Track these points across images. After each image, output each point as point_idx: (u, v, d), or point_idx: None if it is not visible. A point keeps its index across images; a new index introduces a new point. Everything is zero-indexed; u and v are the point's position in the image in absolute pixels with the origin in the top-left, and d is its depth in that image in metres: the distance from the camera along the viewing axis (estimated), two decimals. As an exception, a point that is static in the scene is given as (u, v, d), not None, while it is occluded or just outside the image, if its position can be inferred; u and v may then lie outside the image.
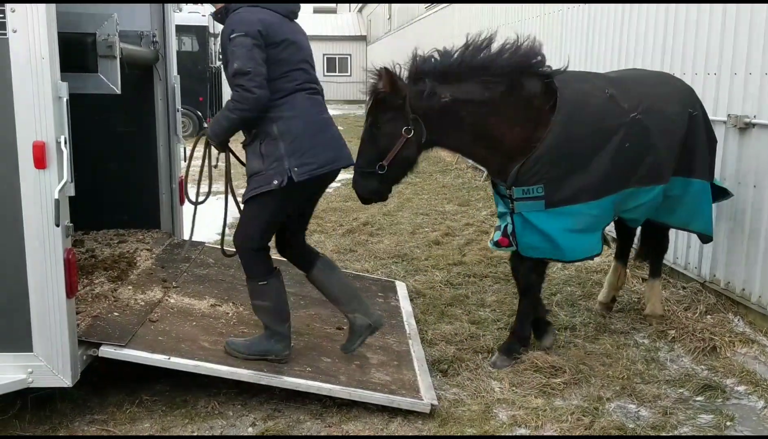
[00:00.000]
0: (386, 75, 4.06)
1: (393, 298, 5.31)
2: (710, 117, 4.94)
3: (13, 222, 3.23)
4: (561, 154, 4.10)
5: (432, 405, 3.73)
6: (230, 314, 4.28)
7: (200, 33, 17.84)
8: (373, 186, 4.23)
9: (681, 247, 5.88)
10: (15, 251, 3.25)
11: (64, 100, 3.22)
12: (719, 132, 5.16)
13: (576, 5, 8.32)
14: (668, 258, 6.03)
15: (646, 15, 6.50)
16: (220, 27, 14.33)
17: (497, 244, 4.49)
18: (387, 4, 28.34)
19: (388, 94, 4.08)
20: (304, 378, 3.70)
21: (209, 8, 20.79)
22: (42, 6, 3.09)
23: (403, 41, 23.94)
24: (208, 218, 8.18)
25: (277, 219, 3.89)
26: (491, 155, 4.27)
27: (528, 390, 4.08)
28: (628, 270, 5.55)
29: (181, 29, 17.94)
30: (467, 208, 9.28)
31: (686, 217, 4.77)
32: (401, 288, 5.61)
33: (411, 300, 5.46)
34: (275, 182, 3.68)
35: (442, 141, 4.29)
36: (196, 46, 17.92)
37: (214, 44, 18.75)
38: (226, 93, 20.79)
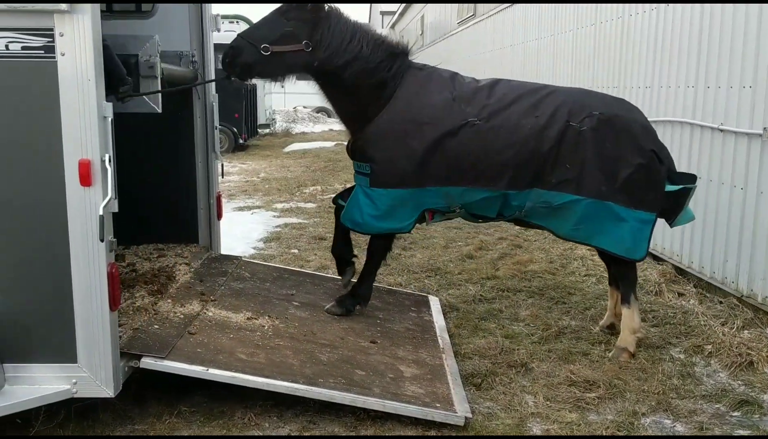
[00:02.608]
0: (333, 8, 4.61)
1: (426, 312, 5.35)
2: (746, 130, 4.89)
3: (60, 237, 3.35)
4: (387, 136, 4.56)
5: (466, 418, 3.75)
6: (266, 327, 4.36)
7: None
8: (247, 60, 4.51)
9: (717, 261, 5.82)
10: (61, 266, 3.37)
11: (109, 119, 3.34)
12: (755, 146, 5.11)
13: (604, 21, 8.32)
14: (705, 272, 5.98)
15: (681, 26, 6.48)
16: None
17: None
18: (420, 20, 28.51)
19: (321, 9, 4.54)
20: (339, 390, 3.76)
21: (243, 27, 21.16)
22: (89, 30, 3.22)
23: (435, 56, 24.08)
24: (242, 232, 8.38)
25: None
26: (349, 122, 4.82)
27: (562, 404, 4.08)
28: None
29: (219, 48, 18.25)
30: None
31: (579, 232, 4.65)
32: (434, 302, 5.64)
33: (444, 314, 5.49)
34: None
35: (322, 83, 4.81)
36: (232, 64, 18.17)
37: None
38: (261, 110, 21.08)
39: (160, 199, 5.58)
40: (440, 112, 4.56)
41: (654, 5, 7.06)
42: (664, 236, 6.76)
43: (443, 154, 4.52)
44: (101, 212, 3.27)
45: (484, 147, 4.52)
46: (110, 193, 3.31)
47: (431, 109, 4.58)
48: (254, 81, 19.60)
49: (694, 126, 6.23)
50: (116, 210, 3.42)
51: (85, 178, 3.30)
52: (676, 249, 6.51)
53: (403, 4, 33.51)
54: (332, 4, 4.60)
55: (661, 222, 6.69)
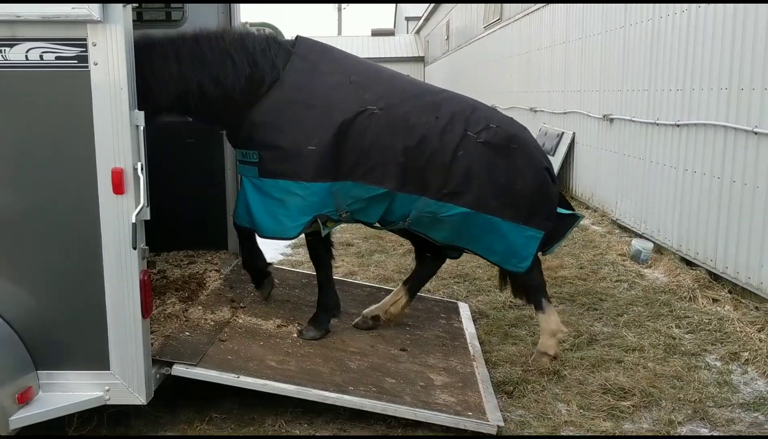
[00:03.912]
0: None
1: (456, 319, 5.30)
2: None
3: (93, 245, 3.37)
4: (272, 121, 4.13)
5: (498, 427, 3.71)
6: (296, 335, 4.35)
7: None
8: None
9: (753, 265, 5.71)
10: (94, 273, 3.39)
11: (141, 128, 3.36)
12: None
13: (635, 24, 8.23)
14: (740, 277, 5.86)
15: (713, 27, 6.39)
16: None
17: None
18: (445, 25, 28.46)
19: None
20: (370, 398, 3.73)
21: (270, 33, 21.29)
22: (121, 40, 3.25)
23: (460, 62, 24.01)
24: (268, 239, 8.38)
25: None
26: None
27: (596, 413, 4.01)
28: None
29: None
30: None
31: (461, 241, 4.46)
32: (464, 309, 5.60)
33: (474, 321, 5.45)
34: None
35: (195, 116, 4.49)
36: (259, 71, 18.29)
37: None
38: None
39: (190, 206, 5.61)
40: (335, 95, 4.19)
41: (685, 6, 6.96)
42: (697, 241, 6.64)
43: (336, 142, 4.11)
44: (134, 220, 3.29)
45: (378, 139, 4.16)
46: (142, 201, 3.32)
47: (325, 90, 4.20)
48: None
49: (728, 129, 6.12)
50: (148, 218, 3.43)
51: (118, 187, 3.33)
52: (710, 254, 6.39)
53: (428, 9, 33.47)
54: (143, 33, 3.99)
55: (695, 225, 6.62)
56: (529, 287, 4.68)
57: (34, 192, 3.36)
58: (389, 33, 44.68)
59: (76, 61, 3.27)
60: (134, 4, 3.35)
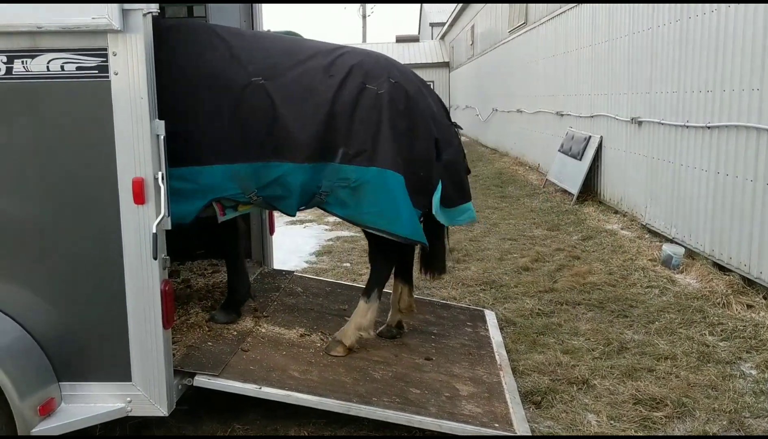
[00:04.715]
0: None
1: (482, 327, 5.21)
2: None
3: (114, 256, 3.36)
4: (167, 109, 3.55)
5: (525, 439, 3.61)
6: (319, 345, 4.30)
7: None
8: None
9: (790, 271, 5.54)
10: (116, 283, 3.38)
11: (161, 137, 3.34)
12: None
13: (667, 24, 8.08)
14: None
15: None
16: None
17: None
18: (470, 30, 28.36)
19: None
20: (394, 409, 3.67)
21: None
22: (141, 49, 3.23)
23: (485, 66, 23.89)
24: (294, 246, 8.38)
25: None
26: None
27: (627, 424, 3.90)
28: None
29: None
30: (557, 232, 9.07)
31: (364, 211, 3.97)
32: (490, 317, 5.51)
33: (501, 329, 5.35)
34: None
35: None
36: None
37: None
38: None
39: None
40: (218, 72, 3.87)
41: (714, 6, 6.81)
42: (730, 245, 6.47)
43: (228, 122, 3.83)
44: (154, 230, 3.27)
45: (270, 112, 3.85)
46: (163, 211, 3.30)
47: (208, 69, 3.89)
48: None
49: (760, 130, 5.95)
50: (169, 227, 3.42)
51: (139, 196, 3.31)
52: (743, 258, 6.22)
53: (453, 15, 33.38)
54: None
55: (728, 228, 6.45)
56: (376, 271, 4.42)
57: (56, 202, 3.36)
58: (414, 39, 44.67)
59: (96, 72, 3.26)
60: (154, 13, 3.31)
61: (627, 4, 9.51)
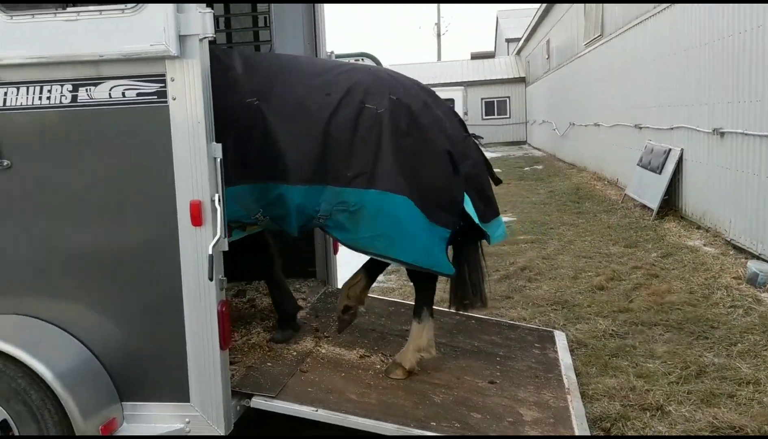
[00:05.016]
0: None
1: (551, 349, 5.03)
2: None
3: (173, 277, 3.41)
4: None
5: (591, 469, 3.44)
6: (379, 366, 4.25)
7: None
8: None
9: None
10: (175, 305, 3.43)
11: (218, 160, 3.38)
12: None
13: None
14: None
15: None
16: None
17: None
18: (545, 44, 27.96)
19: None
20: (453, 434, 3.56)
21: (368, 63, 21.60)
22: (198, 74, 3.29)
23: (561, 80, 23.47)
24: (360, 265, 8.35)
25: None
26: None
27: (703, 455, 3.67)
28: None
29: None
30: (635, 250, 8.73)
31: (378, 241, 3.77)
32: (560, 338, 5.31)
33: (571, 351, 5.16)
34: None
35: None
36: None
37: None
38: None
39: (279, 234, 5.63)
40: (227, 94, 3.74)
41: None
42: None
43: (230, 145, 3.69)
44: (210, 252, 3.29)
45: (266, 133, 3.75)
46: (219, 232, 3.33)
47: (221, 91, 3.75)
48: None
49: None
50: (226, 249, 3.44)
51: (196, 219, 3.35)
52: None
53: (529, 29, 33.03)
54: None
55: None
56: (420, 290, 4.27)
57: (118, 225, 3.44)
58: (489, 55, 44.46)
59: (155, 97, 3.33)
60: (210, 38, 3.36)
61: (706, 13, 9.13)
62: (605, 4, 15.80)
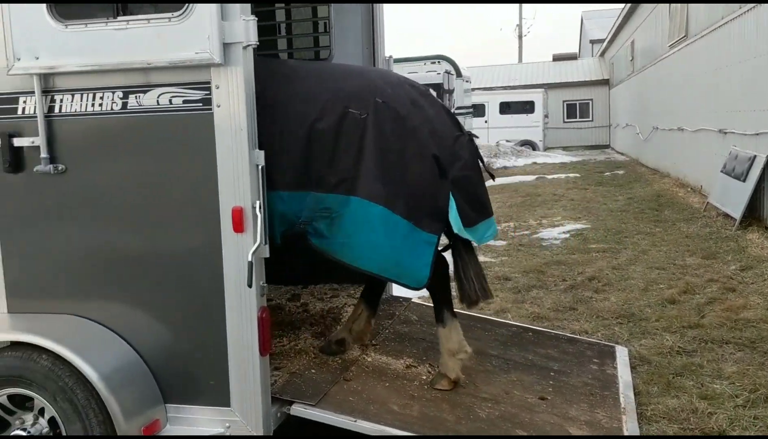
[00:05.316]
0: None
1: (610, 365, 4.82)
2: None
3: (216, 283, 3.44)
4: None
5: (640, 496, 3.26)
6: (424, 377, 4.16)
7: (435, 91, 18.43)
8: None
9: None
10: (218, 310, 3.46)
11: (260, 167, 3.39)
12: None
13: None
14: None
15: None
16: (453, 83, 14.87)
17: None
18: (630, 46, 27.10)
19: None
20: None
21: (445, 66, 21.49)
22: (241, 82, 3.31)
23: (645, 83, 22.69)
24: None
25: None
26: None
27: (766, 487, 3.42)
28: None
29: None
30: (713, 261, 8.30)
31: (351, 250, 3.72)
32: (621, 353, 5.08)
33: (633, 368, 4.94)
34: None
35: None
36: (432, 103, 18.49)
37: (449, 100, 19.29)
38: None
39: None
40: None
41: None
42: None
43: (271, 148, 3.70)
44: (250, 258, 3.30)
45: (270, 137, 3.67)
46: (259, 239, 3.33)
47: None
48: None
49: None
50: (267, 255, 3.45)
51: (238, 225, 3.37)
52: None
53: (613, 30, 32.09)
54: None
55: None
56: (433, 294, 4.14)
57: (166, 230, 3.51)
58: (572, 57, 43.49)
59: (201, 104, 3.38)
60: (253, 45, 3.37)
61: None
62: (690, 5, 15.16)
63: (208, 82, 3.35)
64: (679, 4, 16.35)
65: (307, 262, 5.12)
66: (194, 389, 3.55)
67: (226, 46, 3.28)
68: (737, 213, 10.23)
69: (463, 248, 4.11)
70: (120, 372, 3.45)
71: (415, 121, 3.82)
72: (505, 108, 31.64)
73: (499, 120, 31.35)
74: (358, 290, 5.54)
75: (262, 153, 3.41)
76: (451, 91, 19.78)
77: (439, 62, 22.07)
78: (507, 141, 28.95)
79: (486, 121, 31.13)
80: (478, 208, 4.00)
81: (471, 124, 24.11)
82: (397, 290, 5.79)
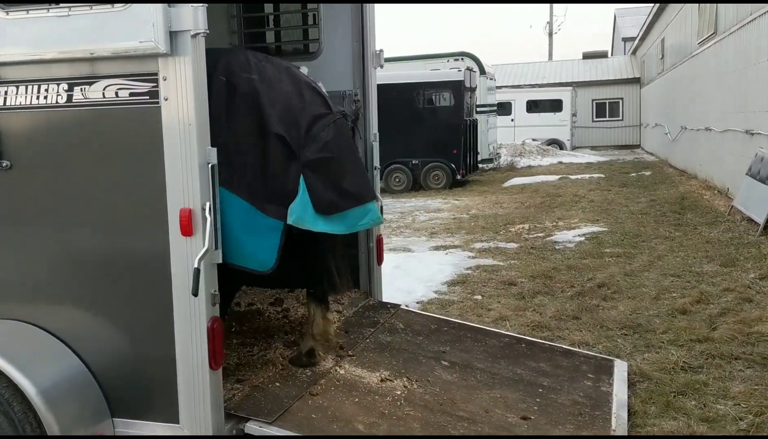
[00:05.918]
0: None
1: (605, 381, 4.49)
2: None
3: (164, 290, 3.20)
4: None
5: None
6: (399, 393, 3.88)
7: (456, 88, 18.09)
8: None
9: None
10: (166, 320, 3.22)
11: (210, 166, 3.15)
12: None
13: None
14: None
15: None
16: (475, 81, 14.59)
17: None
18: (660, 43, 26.42)
19: None
20: None
21: (468, 62, 21.10)
22: (190, 73, 3.07)
23: (674, 81, 22.07)
24: (428, 274, 7.98)
25: None
26: None
27: None
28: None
29: (440, 85, 18.46)
30: (731, 269, 7.86)
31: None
32: (620, 368, 4.75)
33: (632, 385, 4.61)
34: None
35: None
36: (452, 101, 18.17)
37: (470, 98, 18.93)
38: (483, 144, 20.82)
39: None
40: None
41: None
42: None
43: None
44: (196, 264, 3.06)
45: None
46: (207, 243, 3.09)
47: None
48: (475, 116, 19.53)
49: None
50: (219, 261, 3.21)
51: (186, 228, 3.13)
52: None
53: (644, 28, 31.34)
54: None
55: None
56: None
57: (114, 233, 3.29)
58: (602, 55, 42.66)
59: (148, 97, 3.15)
60: (203, 34, 3.12)
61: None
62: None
63: (156, 74, 3.11)
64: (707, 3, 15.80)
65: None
66: (144, 403, 3.33)
67: (173, 35, 3.05)
68: (761, 218, 9.75)
69: (321, 237, 3.81)
70: (61, 385, 3.24)
71: (260, 98, 3.57)
72: (533, 106, 31.08)
73: (526, 118, 30.80)
74: (346, 294, 5.28)
75: (214, 150, 3.18)
76: (473, 89, 19.37)
77: (462, 59, 21.68)
78: (533, 140, 28.44)
79: (512, 120, 30.62)
80: (343, 194, 3.72)
81: (495, 122, 23.68)
82: (386, 296, 5.53)
